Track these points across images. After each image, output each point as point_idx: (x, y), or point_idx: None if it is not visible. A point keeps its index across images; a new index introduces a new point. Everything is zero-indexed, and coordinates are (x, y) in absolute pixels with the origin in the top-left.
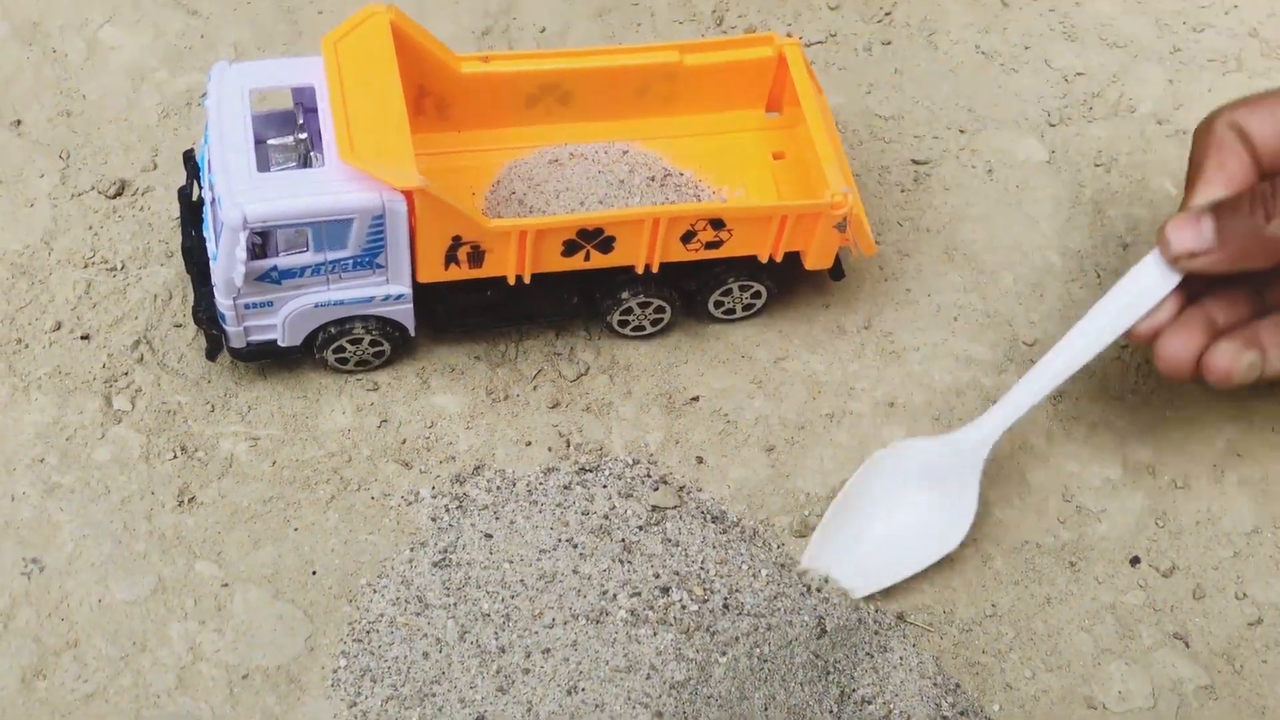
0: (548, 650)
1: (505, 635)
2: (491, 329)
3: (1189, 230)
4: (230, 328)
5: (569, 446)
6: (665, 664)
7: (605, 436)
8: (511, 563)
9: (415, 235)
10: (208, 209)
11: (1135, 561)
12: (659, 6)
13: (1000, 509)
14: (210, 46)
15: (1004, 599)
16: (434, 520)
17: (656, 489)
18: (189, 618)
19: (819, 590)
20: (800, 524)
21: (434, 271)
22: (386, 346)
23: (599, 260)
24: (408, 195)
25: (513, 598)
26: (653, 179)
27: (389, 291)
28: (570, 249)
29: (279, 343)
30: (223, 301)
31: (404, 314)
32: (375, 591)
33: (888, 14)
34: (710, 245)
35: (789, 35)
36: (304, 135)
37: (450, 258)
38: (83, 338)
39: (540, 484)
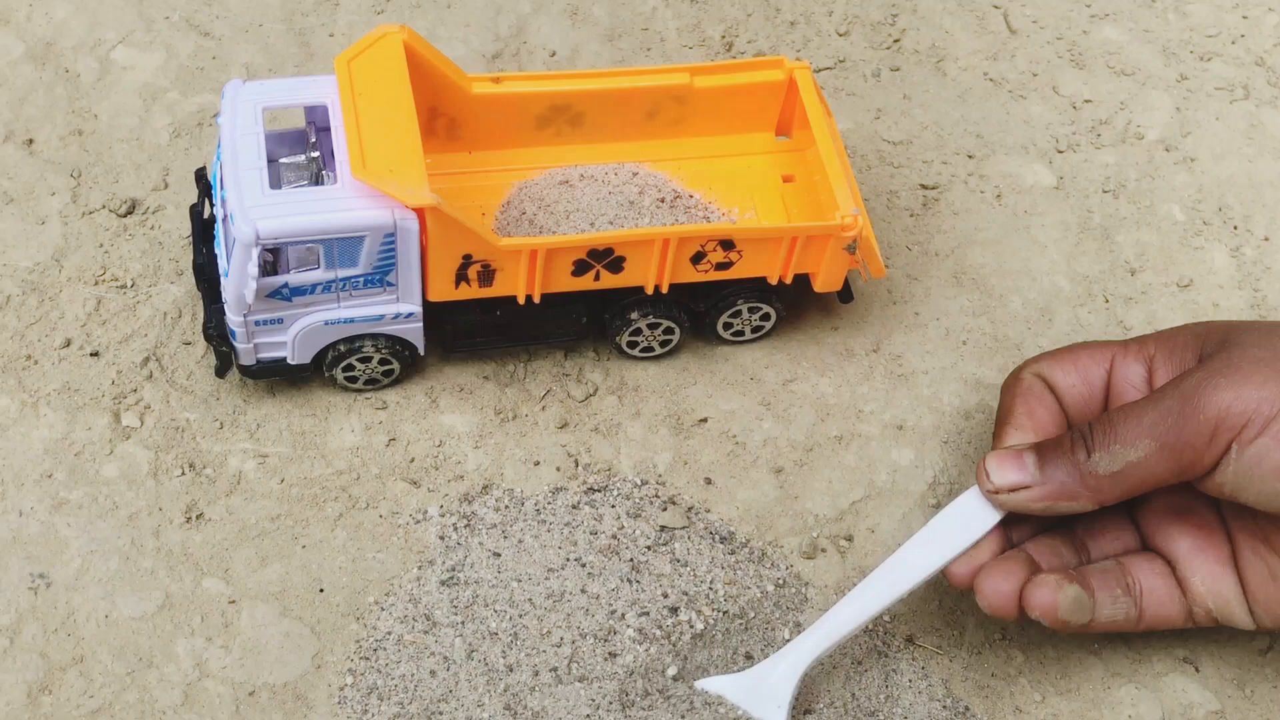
0: (555, 669)
1: (513, 654)
2: (500, 349)
3: (1010, 464)
4: (240, 345)
5: (577, 466)
6: (673, 685)
7: (614, 457)
8: (520, 581)
9: (426, 253)
10: (219, 226)
11: None
12: (669, 31)
13: None
14: (222, 67)
15: (1012, 624)
16: (442, 539)
17: (665, 509)
18: (196, 634)
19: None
20: (809, 545)
21: (444, 290)
22: (396, 365)
23: (609, 280)
24: (419, 213)
25: (521, 616)
26: (662, 200)
27: (399, 310)
28: (580, 269)
29: (288, 360)
30: (233, 318)
31: (414, 333)
32: (383, 609)
33: (896, 41)
34: (720, 266)
35: (798, 60)
36: (316, 154)
37: (461, 276)
38: (92, 354)
39: (549, 503)
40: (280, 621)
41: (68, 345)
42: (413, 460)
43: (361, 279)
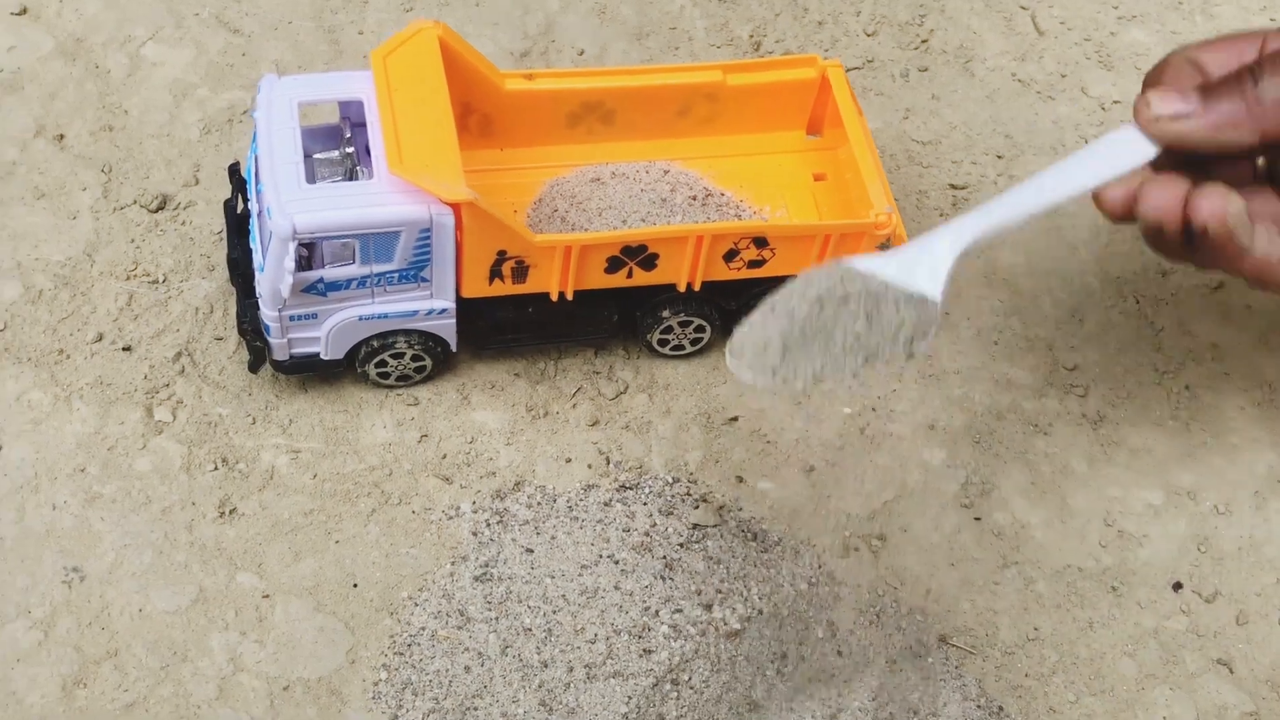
0: (590, 666)
1: (548, 650)
2: (531, 346)
3: (1174, 94)
4: (274, 340)
5: (609, 464)
6: (709, 683)
7: (645, 454)
8: (553, 578)
9: (461, 249)
10: (254, 221)
11: (1178, 587)
12: (697, 30)
13: (1042, 532)
14: (252, 64)
15: (1046, 622)
16: (475, 535)
17: (697, 507)
18: (230, 629)
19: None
20: (841, 545)
21: (478, 286)
22: (428, 361)
23: (641, 278)
24: (455, 209)
25: (555, 613)
26: (694, 198)
27: (433, 306)
28: (613, 266)
29: (321, 356)
30: (268, 313)
31: (446, 329)
32: (416, 605)
33: (924, 41)
34: (753, 264)
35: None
36: (350, 149)
37: (494, 273)
38: (124, 349)
39: (581, 500)
40: (314, 616)
41: (100, 340)
42: (445, 456)
43: (396, 274)
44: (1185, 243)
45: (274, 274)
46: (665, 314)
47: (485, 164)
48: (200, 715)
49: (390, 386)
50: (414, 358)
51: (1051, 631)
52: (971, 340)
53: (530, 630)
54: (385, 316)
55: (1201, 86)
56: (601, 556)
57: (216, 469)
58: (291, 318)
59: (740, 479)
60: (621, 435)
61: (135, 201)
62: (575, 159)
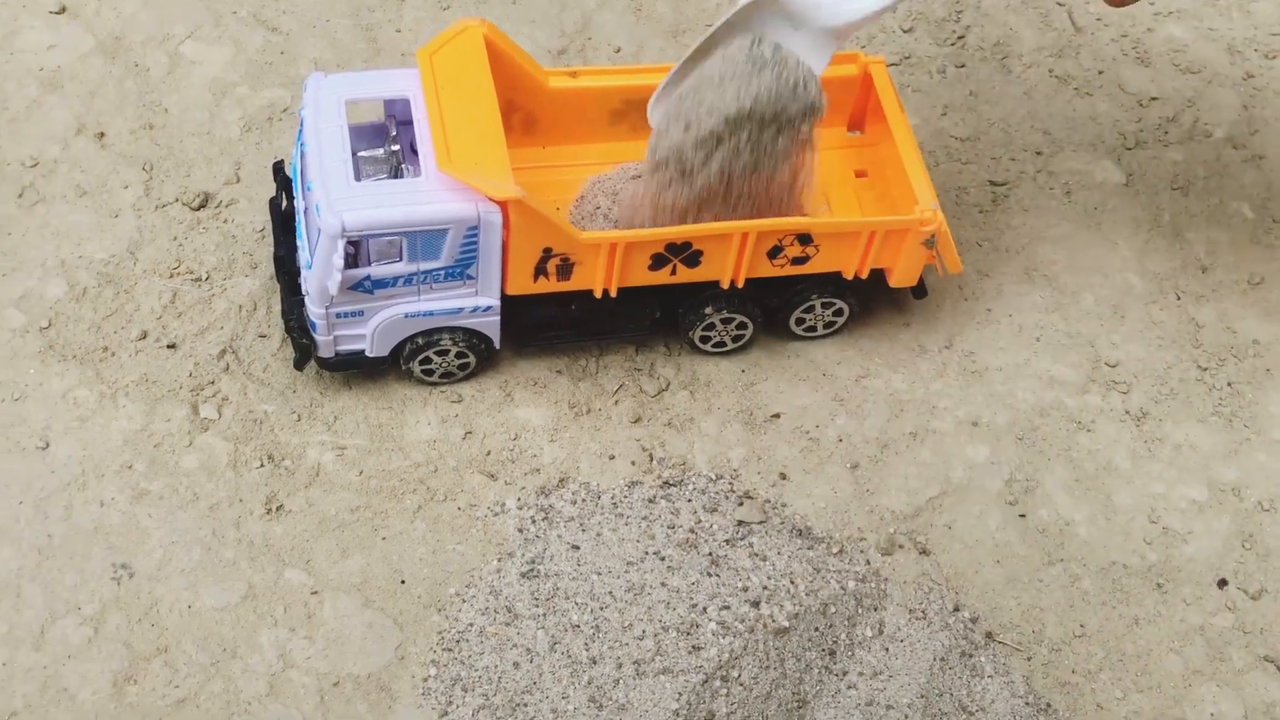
0: (639, 662)
1: (596, 646)
2: (573, 343)
3: None
4: (320, 337)
5: (652, 461)
6: (759, 679)
7: (688, 451)
8: (600, 574)
9: (508, 246)
10: (300, 218)
11: (1223, 584)
12: None
13: (1086, 529)
14: (290, 62)
15: (1092, 619)
16: (521, 531)
17: (741, 504)
18: (279, 625)
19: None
20: (887, 541)
21: (523, 284)
22: (472, 359)
23: (685, 275)
24: (503, 206)
25: (602, 609)
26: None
27: (478, 303)
28: (658, 263)
29: (367, 353)
30: (315, 310)
31: (490, 326)
32: (464, 601)
33: (960, 38)
34: (796, 261)
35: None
36: (396, 147)
37: (539, 270)
38: (169, 347)
39: (625, 497)
40: (363, 612)
41: (144, 337)
42: (489, 453)
43: (442, 272)
44: None
45: (322, 271)
46: (708, 311)
47: (528, 161)
48: (251, 711)
49: (434, 384)
50: (458, 355)
51: (1097, 628)
52: (1013, 337)
53: (578, 627)
54: (431, 314)
55: None
56: (647, 553)
57: (263, 466)
58: (338, 315)
59: (784, 476)
60: (664, 432)
61: (177, 199)
62: (617, 156)
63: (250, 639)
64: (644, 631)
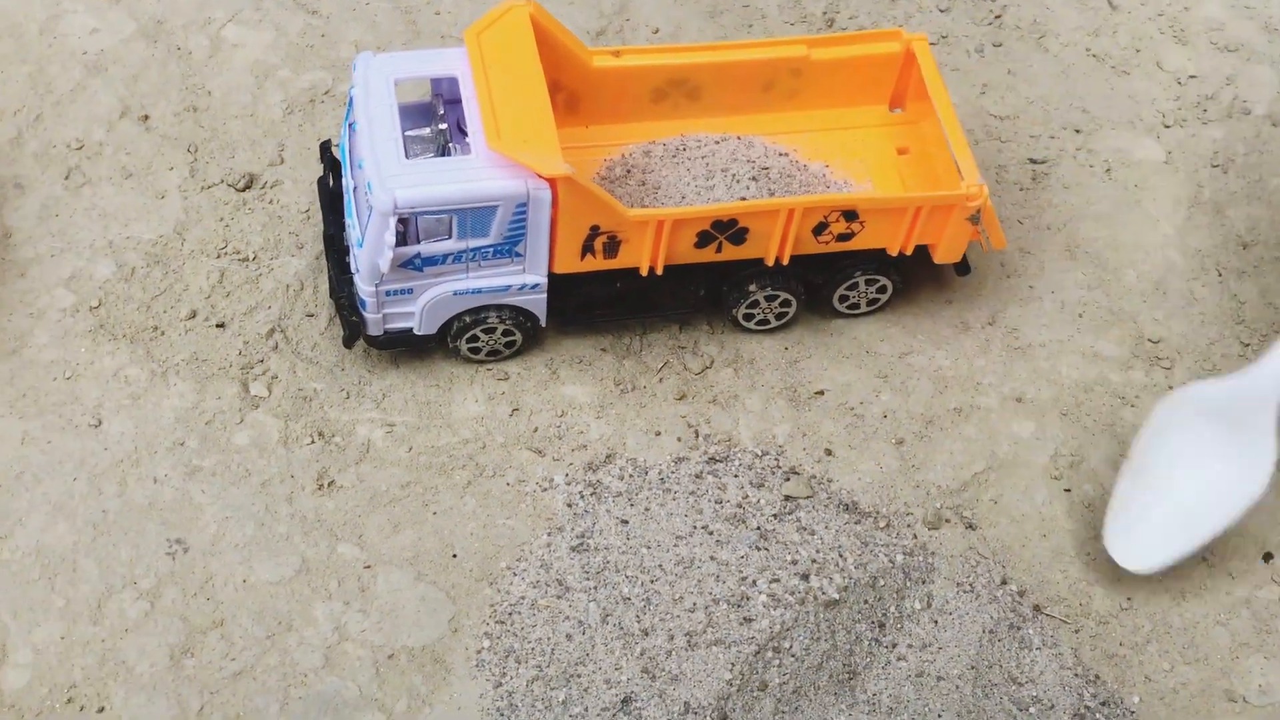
0: (690, 634)
1: (647, 618)
2: (618, 321)
3: None
4: (370, 315)
5: (698, 437)
6: (810, 650)
7: (733, 428)
8: (649, 548)
9: (556, 224)
10: (349, 197)
11: (1269, 557)
12: (770, 8)
13: None
14: (331, 45)
15: (1139, 593)
16: (569, 506)
17: (788, 479)
18: (333, 599)
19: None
20: (933, 516)
21: (570, 262)
22: (518, 336)
23: (730, 252)
24: (552, 183)
25: (652, 582)
26: (781, 172)
27: (525, 281)
28: (703, 240)
29: (415, 331)
30: (365, 288)
31: (537, 304)
32: (515, 575)
33: (997, 17)
34: (841, 238)
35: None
36: (443, 126)
37: (587, 248)
38: (218, 326)
39: (672, 473)
40: (415, 586)
41: (193, 317)
42: (536, 430)
43: (491, 249)
44: None
45: (373, 249)
46: (752, 288)
47: (570, 141)
48: (307, 683)
49: (480, 362)
50: (505, 333)
51: (1144, 601)
52: (1056, 313)
53: (629, 599)
54: (479, 291)
55: None
56: (696, 527)
57: (313, 442)
58: (387, 293)
59: (829, 452)
60: (709, 409)
61: (222, 181)
62: (659, 135)
63: (305, 612)
64: (695, 604)
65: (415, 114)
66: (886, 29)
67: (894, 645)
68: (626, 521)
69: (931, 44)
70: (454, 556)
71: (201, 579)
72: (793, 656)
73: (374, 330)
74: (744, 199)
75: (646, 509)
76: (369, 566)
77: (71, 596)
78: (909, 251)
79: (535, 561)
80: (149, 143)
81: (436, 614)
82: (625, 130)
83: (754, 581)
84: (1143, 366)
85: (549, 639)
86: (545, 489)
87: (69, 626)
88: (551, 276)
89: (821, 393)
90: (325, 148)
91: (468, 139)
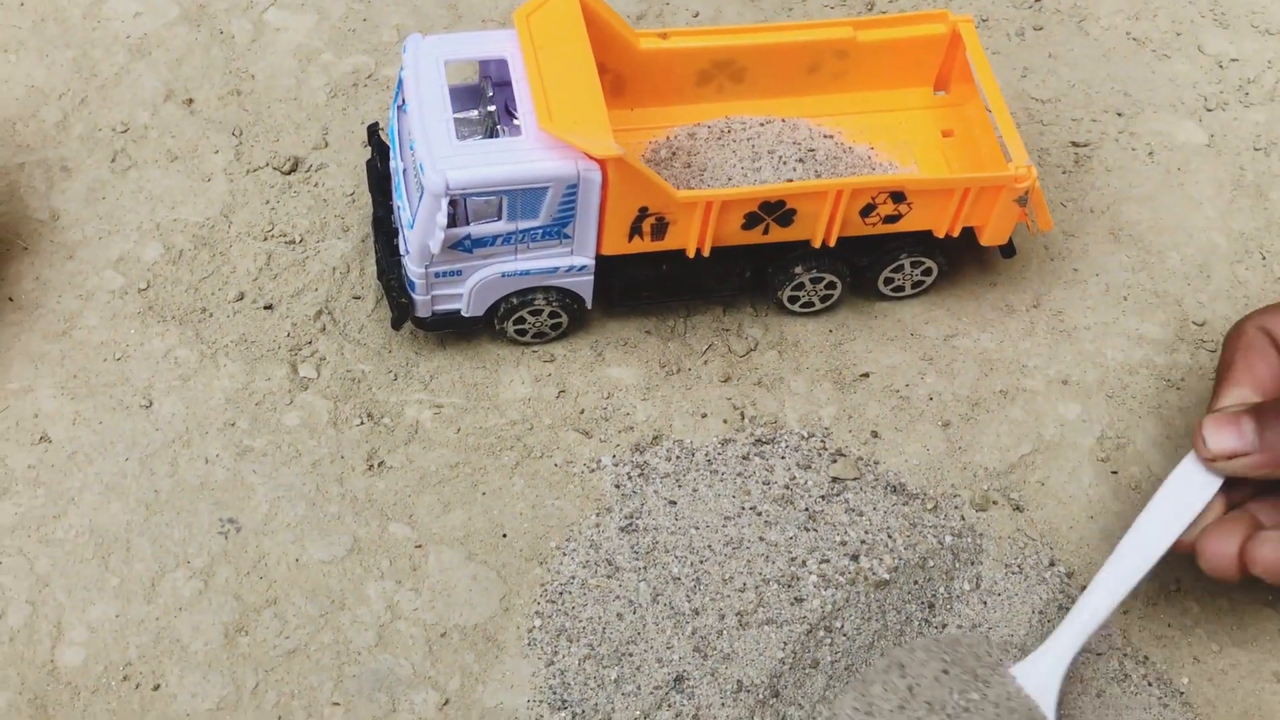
0: (741, 613)
1: (697, 598)
2: (663, 303)
3: (1228, 430)
4: (419, 296)
5: (743, 419)
6: (861, 630)
7: (778, 410)
8: (697, 529)
9: (605, 205)
10: (398, 180)
11: None
12: None
13: None
14: (373, 29)
15: (1186, 574)
16: (617, 487)
17: (835, 461)
18: (385, 577)
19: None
20: (981, 498)
21: (618, 244)
22: (564, 318)
23: (777, 234)
24: (602, 165)
25: (702, 562)
26: (827, 154)
27: (572, 263)
28: (751, 222)
29: (463, 312)
30: (415, 270)
31: (584, 286)
32: (565, 554)
33: (1038, 0)
34: (888, 219)
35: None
36: (492, 108)
37: (634, 229)
38: (265, 308)
39: (719, 454)
40: (466, 565)
41: (241, 299)
42: (583, 411)
43: (540, 231)
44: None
45: (424, 230)
46: (798, 270)
47: (616, 123)
48: (361, 661)
49: (526, 344)
50: (551, 315)
51: (1192, 583)
52: (1101, 296)
53: (679, 579)
54: (527, 273)
55: (1256, 413)
56: (744, 508)
57: (362, 423)
58: (437, 274)
59: (875, 434)
60: (754, 391)
61: (267, 164)
62: (704, 117)
63: (358, 591)
64: (745, 584)
65: (462, 97)
66: (932, 10)
67: (944, 626)
68: (674, 502)
69: None
70: (504, 536)
71: (254, 558)
72: (845, 636)
73: (422, 312)
74: (790, 181)
75: (694, 490)
76: (420, 546)
77: (125, 575)
78: (956, 233)
79: (584, 541)
80: (193, 126)
81: (488, 593)
82: (670, 113)
83: (804, 562)
84: (1187, 349)
85: (600, 618)
86: (593, 470)
87: (123, 605)
88: (598, 258)
89: (867, 375)
90: (373, 131)
91: (515, 121)
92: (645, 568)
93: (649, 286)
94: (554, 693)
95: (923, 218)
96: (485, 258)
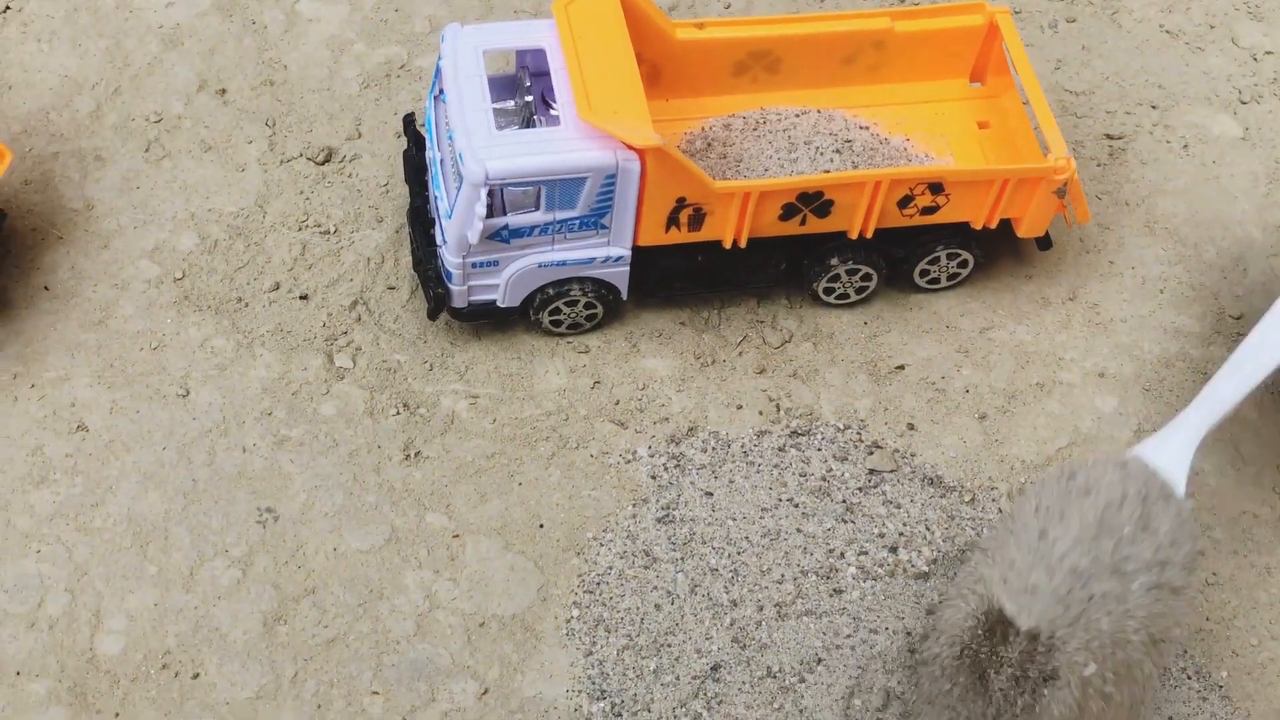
0: (780, 605)
1: (736, 589)
2: (698, 295)
3: None
4: (455, 286)
5: (779, 411)
6: (904, 620)
7: (814, 402)
8: (734, 520)
9: (643, 195)
10: (436, 169)
11: None
12: None
13: (1215, 479)
14: (405, 20)
15: (1224, 568)
16: (654, 478)
17: (871, 453)
18: (423, 567)
19: None
20: (1018, 491)
21: (654, 234)
22: (599, 309)
23: (814, 225)
24: (640, 154)
25: (739, 554)
26: (864, 146)
27: (609, 253)
28: (788, 213)
29: (499, 303)
30: (452, 260)
31: (620, 276)
32: (602, 545)
33: None
34: (926, 211)
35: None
36: (529, 98)
37: (671, 220)
38: (301, 298)
39: (755, 446)
40: (504, 555)
41: (277, 289)
42: (618, 402)
43: (577, 221)
44: None
45: (463, 220)
46: (834, 262)
47: (651, 114)
48: (400, 650)
49: (561, 334)
50: (587, 305)
51: (1229, 576)
52: (1137, 289)
53: (717, 570)
54: (563, 264)
55: None
56: (781, 500)
57: (399, 414)
58: (474, 264)
59: (911, 426)
60: (789, 383)
61: (301, 154)
62: (739, 108)
63: (396, 580)
64: (783, 575)
65: (499, 86)
66: (968, 1)
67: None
68: (711, 494)
69: None
70: (541, 527)
71: (292, 547)
72: (888, 629)
73: (458, 302)
74: (828, 172)
75: (730, 481)
76: (457, 536)
77: (164, 564)
78: (993, 225)
79: (621, 532)
80: (227, 116)
81: (525, 583)
82: (705, 104)
83: (841, 554)
84: (1224, 343)
85: (638, 609)
86: (629, 461)
87: (162, 594)
88: (634, 249)
89: (902, 367)
90: (409, 121)
91: (552, 111)
92: (683, 559)
93: (683, 278)
94: (593, 683)
95: (960, 209)
96: (522, 248)
